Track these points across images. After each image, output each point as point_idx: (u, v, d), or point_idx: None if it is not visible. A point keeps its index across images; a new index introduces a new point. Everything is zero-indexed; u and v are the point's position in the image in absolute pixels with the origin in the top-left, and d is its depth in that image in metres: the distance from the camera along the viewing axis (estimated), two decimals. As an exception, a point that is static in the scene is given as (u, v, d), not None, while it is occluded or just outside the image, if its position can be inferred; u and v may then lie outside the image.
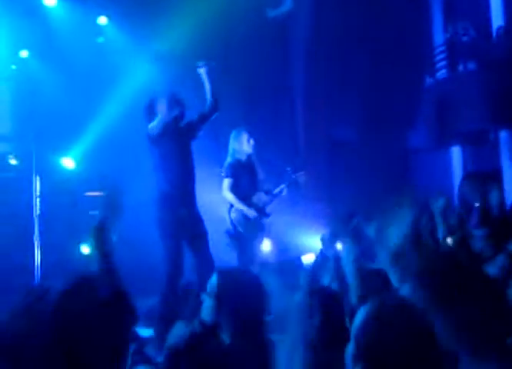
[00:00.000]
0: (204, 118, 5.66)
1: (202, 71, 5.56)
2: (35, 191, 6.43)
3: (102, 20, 8.86)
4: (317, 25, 8.10)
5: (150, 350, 4.35)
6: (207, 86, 5.56)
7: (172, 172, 5.47)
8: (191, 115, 5.68)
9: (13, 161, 7.67)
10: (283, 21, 8.54)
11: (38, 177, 6.34)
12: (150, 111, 5.43)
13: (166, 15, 8.00)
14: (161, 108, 5.31)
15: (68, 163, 8.01)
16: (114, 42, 8.82)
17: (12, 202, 7.33)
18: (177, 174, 5.47)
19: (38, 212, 6.40)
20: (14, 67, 8.96)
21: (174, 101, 5.37)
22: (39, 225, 6.37)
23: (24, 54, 9.01)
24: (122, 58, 8.52)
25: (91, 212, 7.85)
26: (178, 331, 2.44)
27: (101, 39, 9.02)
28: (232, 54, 8.27)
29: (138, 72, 8.11)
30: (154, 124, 5.30)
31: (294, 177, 6.54)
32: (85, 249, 7.35)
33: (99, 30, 8.94)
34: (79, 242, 7.34)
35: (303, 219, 7.16)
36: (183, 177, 5.51)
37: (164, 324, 4.65)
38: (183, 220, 5.43)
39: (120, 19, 8.68)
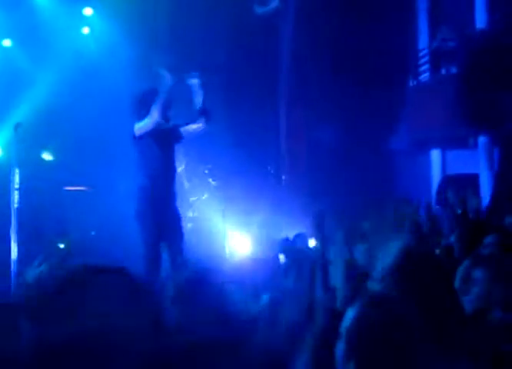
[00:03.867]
0: (192, 130, 5.53)
1: (195, 82, 5.42)
2: (14, 184, 6.33)
3: (88, 11, 8.77)
4: (302, 24, 8.10)
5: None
6: (199, 98, 5.42)
7: (153, 169, 5.44)
8: (178, 119, 5.55)
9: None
10: (270, 18, 8.52)
11: (17, 170, 6.24)
12: (140, 107, 5.25)
13: (152, 9, 7.95)
14: (154, 108, 5.12)
15: (47, 156, 7.93)
16: (100, 33, 8.75)
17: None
18: (157, 170, 5.44)
19: (15, 205, 6.32)
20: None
21: (169, 101, 5.20)
22: (17, 218, 6.29)
23: (6, 43, 8.94)
24: (107, 50, 8.44)
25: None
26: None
27: (86, 30, 8.93)
28: (218, 51, 8.25)
29: (123, 64, 8.03)
30: (143, 125, 5.16)
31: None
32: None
33: (85, 21, 8.85)
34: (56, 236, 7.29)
35: (285, 217, 7.19)
36: (164, 174, 5.47)
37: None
38: (161, 214, 5.41)
39: (106, 10, 8.59)
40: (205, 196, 7.12)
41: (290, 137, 7.77)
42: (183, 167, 6.79)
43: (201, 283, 2.35)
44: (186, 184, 6.95)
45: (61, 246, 7.33)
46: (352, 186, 6.65)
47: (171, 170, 5.57)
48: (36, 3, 8.52)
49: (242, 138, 6.72)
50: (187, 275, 2.45)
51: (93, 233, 7.57)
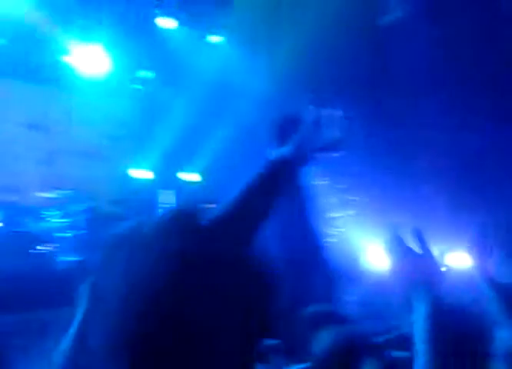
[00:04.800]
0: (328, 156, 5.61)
1: (338, 113, 5.47)
2: (162, 203, 6.84)
3: (215, 38, 9.25)
4: (430, 35, 7.96)
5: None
6: (338, 128, 5.45)
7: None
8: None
9: (141, 176, 8.20)
10: (391, 28, 8.46)
11: (161, 190, 6.75)
12: (278, 134, 5.40)
13: (276, 31, 8.18)
14: (292, 141, 5.20)
15: (191, 177, 8.42)
16: (229, 59, 9.19)
17: (142, 214, 7.85)
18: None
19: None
20: (136, 86, 9.61)
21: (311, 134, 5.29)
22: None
23: (143, 74, 9.67)
24: (238, 74, 8.83)
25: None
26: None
27: (214, 57, 9.44)
28: (340, 64, 8.32)
29: (253, 89, 8.35)
30: (278, 154, 5.28)
31: None
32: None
33: (213, 48, 9.35)
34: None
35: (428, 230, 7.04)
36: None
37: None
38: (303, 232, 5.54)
39: (233, 37, 9.00)
40: (346, 212, 7.23)
41: (432, 150, 7.66)
42: (323, 182, 6.97)
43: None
44: (326, 201, 7.12)
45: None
46: (504, 201, 6.37)
47: (303, 191, 5.68)
48: (167, 33, 9.00)
49: (379, 152, 6.76)
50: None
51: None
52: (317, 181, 7.06)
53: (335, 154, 5.14)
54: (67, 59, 8.44)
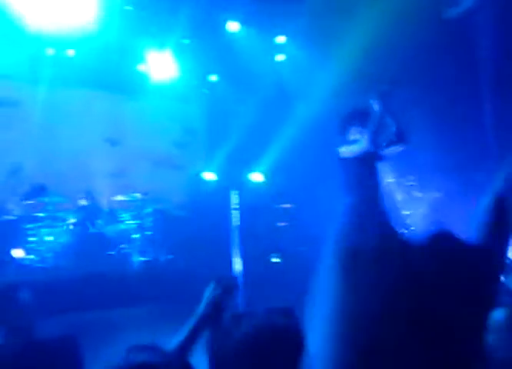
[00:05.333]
0: (392, 151, 5.45)
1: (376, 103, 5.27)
2: (232, 204, 6.93)
3: (281, 39, 9.25)
4: (504, 26, 7.59)
5: None
6: (388, 117, 5.30)
7: (358, 187, 5.48)
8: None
9: (209, 177, 8.37)
10: (460, 21, 8.16)
11: (234, 191, 6.84)
12: (347, 128, 5.27)
13: (342, 30, 8.08)
14: (366, 136, 5.06)
15: (257, 177, 8.51)
16: (294, 59, 9.19)
17: (211, 214, 8.01)
18: (364, 188, 5.48)
19: (237, 223, 6.88)
20: (205, 91, 9.82)
21: (380, 128, 5.14)
22: (238, 236, 6.85)
23: (213, 78, 9.87)
24: (303, 74, 8.81)
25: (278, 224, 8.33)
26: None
27: (280, 57, 9.47)
28: (408, 57, 8.11)
29: (320, 87, 8.29)
30: (351, 150, 5.17)
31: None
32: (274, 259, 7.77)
33: (279, 49, 9.37)
34: (268, 253, 7.77)
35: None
36: (368, 192, 5.49)
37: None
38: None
39: (298, 37, 8.98)
40: (415, 210, 7.03)
41: (503, 145, 7.31)
42: (391, 180, 6.82)
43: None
44: (396, 198, 6.96)
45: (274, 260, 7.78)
46: None
47: (376, 188, 5.55)
48: (232, 35, 9.05)
49: (446, 147, 6.53)
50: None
51: (303, 248, 7.94)
52: (387, 178, 6.89)
53: (400, 148, 4.93)
54: (141, 67, 8.75)
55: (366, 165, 5.33)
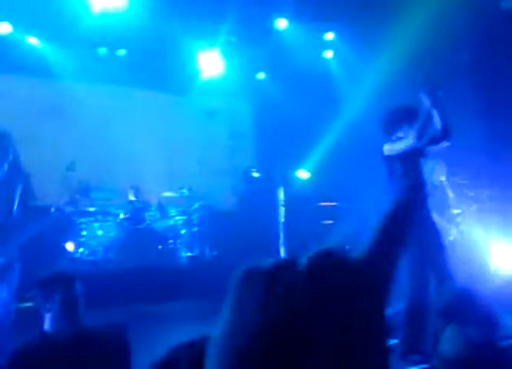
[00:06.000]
0: (436, 148, 5.34)
1: (425, 98, 5.20)
2: (279, 201, 6.95)
3: (329, 36, 9.18)
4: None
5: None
6: (435, 113, 5.19)
7: (402, 184, 5.39)
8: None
9: (256, 174, 8.41)
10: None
11: (281, 188, 6.86)
12: (393, 126, 5.21)
13: (391, 26, 7.94)
14: (412, 133, 5.00)
15: (303, 174, 8.50)
16: (342, 56, 9.10)
17: (257, 211, 8.06)
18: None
19: (282, 220, 6.90)
20: (252, 88, 9.84)
21: (427, 125, 5.05)
22: (284, 232, 6.87)
23: (261, 76, 9.89)
24: (351, 71, 8.72)
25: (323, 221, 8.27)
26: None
27: (328, 54, 9.39)
28: (462, 49, 7.90)
29: (366, 84, 8.20)
30: (397, 147, 5.11)
31: None
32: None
33: (327, 45, 9.30)
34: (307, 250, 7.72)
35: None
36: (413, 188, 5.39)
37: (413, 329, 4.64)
38: (419, 228, 5.30)
39: (347, 34, 8.88)
40: (467, 208, 6.85)
41: None
42: (443, 178, 6.67)
43: (468, 305, 2.26)
44: (449, 196, 6.81)
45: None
46: None
47: (421, 184, 5.43)
48: (280, 33, 9.01)
49: (499, 144, 6.33)
50: (451, 298, 2.37)
51: (347, 247, 7.86)
52: (438, 177, 6.76)
53: (445, 144, 4.83)
54: (191, 65, 8.86)
55: (410, 162, 5.25)
